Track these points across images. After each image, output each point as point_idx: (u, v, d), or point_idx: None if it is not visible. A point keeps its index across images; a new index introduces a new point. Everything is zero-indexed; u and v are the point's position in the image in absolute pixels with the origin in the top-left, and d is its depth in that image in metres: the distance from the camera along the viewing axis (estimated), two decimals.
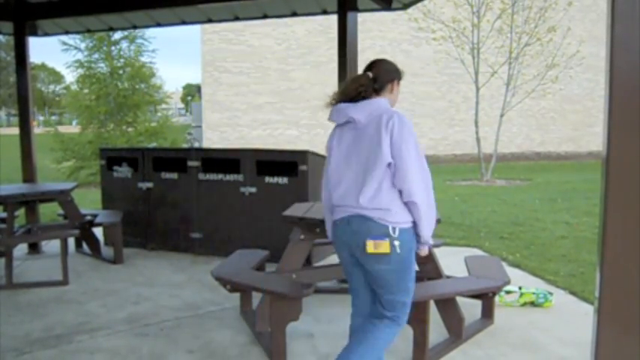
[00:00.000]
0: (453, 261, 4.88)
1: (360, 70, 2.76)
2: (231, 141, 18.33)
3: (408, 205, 2.49)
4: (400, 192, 2.48)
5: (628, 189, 2.06)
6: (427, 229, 2.54)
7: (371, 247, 2.47)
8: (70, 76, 70.45)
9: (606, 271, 2.10)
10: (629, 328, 2.10)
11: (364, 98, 2.58)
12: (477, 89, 13.75)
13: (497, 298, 4.02)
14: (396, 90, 2.70)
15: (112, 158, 6.41)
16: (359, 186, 2.52)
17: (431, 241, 2.61)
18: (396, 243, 2.47)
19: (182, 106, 65.02)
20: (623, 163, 2.05)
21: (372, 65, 2.66)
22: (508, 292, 4.26)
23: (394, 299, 2.60)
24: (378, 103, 2.57)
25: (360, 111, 2.55)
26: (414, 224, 2.54)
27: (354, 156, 2.57)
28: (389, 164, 2.47)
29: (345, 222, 2.58)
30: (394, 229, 2.47)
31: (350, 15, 5.44)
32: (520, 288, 4.33)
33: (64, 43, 13.80)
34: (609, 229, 2.09)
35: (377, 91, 2.61)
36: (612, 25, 2.01)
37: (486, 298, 3.82)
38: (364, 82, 2.59)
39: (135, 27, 7.33)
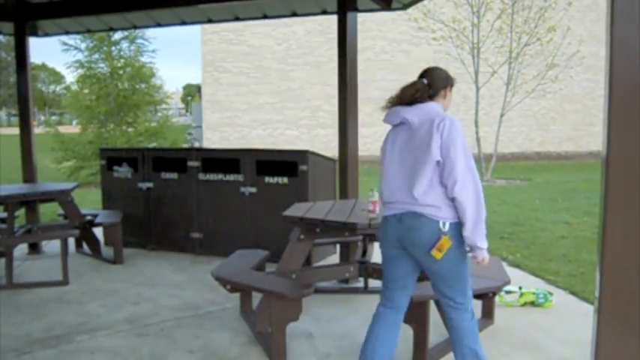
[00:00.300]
0: None
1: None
2: (231, 141, 18.33)
3: (454, 202, 2.58)
4: (446, 188, 2.58)
5: (628, 189, 2.06)
6: (470, 231, 2.55)
7: (438, 254, 2.56)
8: (70, 77, 70.53)
9: (606, 271, 2.10)
10: (629, 328, 2.10)
11: (419, 103, 2.72)
12: (477, 89, 13.74)
13: (497, 298, 4.02)
14: (449, 96, 2.84)
15: (112, 158, 6.41)
16: (410, 183, 2.64)
17: (479, 244, 2.57)
18: (447, 236, 2.58)
19: (182, 106, 65.00)
20: (623, 163, 2.05)
21: (426, 72, 2.80)
22: (508, 292, 4.27)
23: (458, 287, 2.69)
24: (432, 106, 2.71)
25: (414, 113, 2.69)
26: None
27: (406, 155, 2.71)
28: (437, 162, 2.58)
29: (396, 219, 2.68)
30: (444, 223, 2.58)
31: (350, 15, 5.44)
32: (520, 288, 4.33)
33: (65, 44, 13.78)
34: (609, 229, 2.09)
35: (431, 97, 2.75)
36: (612, 25, 2.01)
37: (486, 298, 3.81)
38: (420, 88, 2.72)
39: (135, 27, 7.33)
